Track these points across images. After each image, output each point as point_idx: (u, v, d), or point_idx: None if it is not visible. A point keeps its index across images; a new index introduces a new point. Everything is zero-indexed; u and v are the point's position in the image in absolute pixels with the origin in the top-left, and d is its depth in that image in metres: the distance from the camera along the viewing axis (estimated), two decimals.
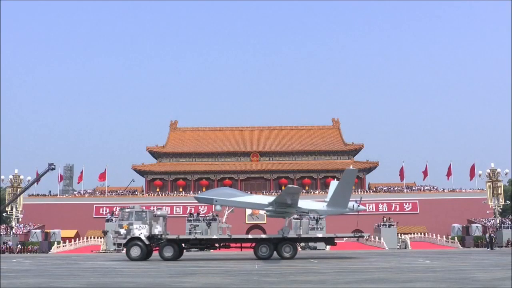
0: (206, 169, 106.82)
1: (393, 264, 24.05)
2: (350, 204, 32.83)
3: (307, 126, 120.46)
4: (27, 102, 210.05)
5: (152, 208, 42.65)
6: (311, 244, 58.80)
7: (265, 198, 34.87)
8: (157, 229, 33.00)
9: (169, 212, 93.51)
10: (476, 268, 20.06)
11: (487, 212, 74.52)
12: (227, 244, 33.93)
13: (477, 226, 71.20)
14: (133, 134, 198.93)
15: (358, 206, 33.62)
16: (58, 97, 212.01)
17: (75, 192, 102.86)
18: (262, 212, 33.43)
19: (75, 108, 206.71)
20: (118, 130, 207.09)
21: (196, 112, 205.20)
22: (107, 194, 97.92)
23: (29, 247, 64.54)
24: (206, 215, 66.87)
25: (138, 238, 32.22)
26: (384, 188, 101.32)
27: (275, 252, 31.62)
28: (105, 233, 63.71)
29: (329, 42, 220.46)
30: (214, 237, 34.24)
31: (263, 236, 33.72)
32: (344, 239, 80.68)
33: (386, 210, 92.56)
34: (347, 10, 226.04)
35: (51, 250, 62.44)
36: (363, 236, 38.21)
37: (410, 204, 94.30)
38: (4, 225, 73.28)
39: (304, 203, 34.31)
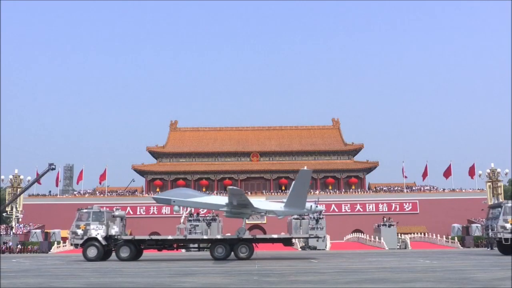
0: (206, 169, 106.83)
1: (393, 264, 24.06)
2: (308, 205, 33.09)
3: (307, 126, 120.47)
4: (27, 102, 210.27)
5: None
6: (311, 244, 58.80)
7: (222, 199, 35.05)
8: (114, 230, 33.25)
9: (169, 212, 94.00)
10: (476, 268, 20.07)
11: None
12: (184, 244, 34.54)
13: (477, 226, 71.15)
14: (133, 134, 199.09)
15: (316, 207, 34.22)
16: (58, 97, 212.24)
17: (75, 192, 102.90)
18: (222, 209, 33.69)
19: (75, 108, 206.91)
20: (118, 130, 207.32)
21: (196, 112, 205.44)
22: (107, 194, 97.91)
23: (29, 247, 64.51)
24: (206, 215, 66.82)
25: (95, 239, 32.48)
26: (384, 188, 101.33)
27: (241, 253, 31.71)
28: None
29: (329, 42, 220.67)
30: (170, 237, 34.30)
31: (219, 237, 33.97)
32: (345, 238, 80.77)
33: (386, 210, 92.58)
34: (347, 10, 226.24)
35: (51, 250, 62.43)
36: (320, 237, 38.13)
37: (410, 204, 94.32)
38: (4, 225, 73.31)
39: (262, 203, 34.87)
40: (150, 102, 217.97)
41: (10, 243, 64.59)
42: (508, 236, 32.20)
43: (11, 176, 73.80)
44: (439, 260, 27.53)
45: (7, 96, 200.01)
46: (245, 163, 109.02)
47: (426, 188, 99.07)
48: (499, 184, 74.06)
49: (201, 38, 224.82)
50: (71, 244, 34.05)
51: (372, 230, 71.57)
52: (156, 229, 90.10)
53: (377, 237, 66.75)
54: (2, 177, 74.37)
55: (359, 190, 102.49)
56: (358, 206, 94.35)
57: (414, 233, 76.85)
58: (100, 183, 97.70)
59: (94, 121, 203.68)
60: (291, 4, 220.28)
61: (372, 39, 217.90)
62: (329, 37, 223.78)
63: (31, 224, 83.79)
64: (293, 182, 33.45)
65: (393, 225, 68.79)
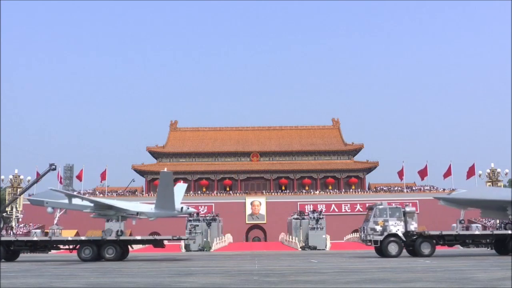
0: (206, 169, 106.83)
1: (393, 264, 24.05)
2: (179, 206, 33.27)
3: (307, 126, 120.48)
4: (27, 102, 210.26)
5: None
6: (311, 244, 58.84)
7: (87, 201, 35.22)
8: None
9: None
10: (476, 268, 20.06)
11: None
12: (55, 246, 35.28)
13: (477, 226, 71.01)
14: (133, 134, 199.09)
15: (188, 208, 34.60)
16: (58, 97, 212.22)
17: (75, 192, 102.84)
18: (86, 211, 34.04)
19: (75, 108, 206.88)
20: (118, 130, 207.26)
21: (196, 112, 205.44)
22: (107, 194, 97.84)
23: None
24: (206, 215, 66.86)
25: None
26: (384, 188, 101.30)
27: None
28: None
29: (329, 42, 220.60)
30: (35, 238, 34.36)
31: (83, 238, 34.08)
32: (345, 238, 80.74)
33: None
34: (347, 10, 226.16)
35: (51, 250, 62.35)
36: (183, 239, 38.35)
37: (410, 204, 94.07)
38: (4, 225, 73.31)
39: (132, 205, 35.18)
40: (150, 102, 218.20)
41: None
42: (378, 238, 32.03)
43: (11, 176, 73.77)
44: (439, 260, 27.53)
45: (7, 96, 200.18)
46: (245, 163, 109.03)
47: (426, 188, 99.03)
48: (499, 184, 74.01)
49: (201, 38, 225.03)
50: None
51: None
52: (156, 229, 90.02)
53: None
54: (2, 177, 74.35)
55: (359, 190, 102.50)
56: (358, 206, 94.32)
57: None
58: (100, 182, 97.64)
59: (94, 121, 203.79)
60: (291, 4, 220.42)
61: (372, 39, 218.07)
62: (329, 37, 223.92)
63: (31, 224, 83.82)
64: (158, 185, 33.68)
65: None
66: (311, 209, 78.97)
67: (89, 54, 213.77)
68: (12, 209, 72.05)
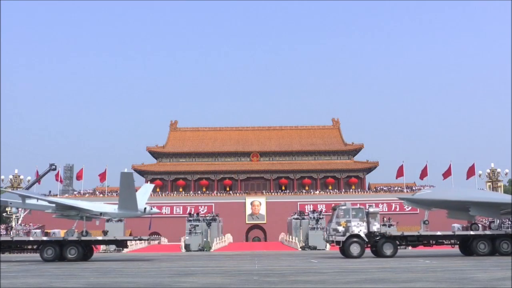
0: (206, 169, 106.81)
1: (393, 264, 24.06)
2: (143, 207, 33.30)
3: (307, 126, 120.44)
4: (27, 102, 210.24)
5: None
6: (311, 244, 58.86)
7: (54, 200, 35.45)
8: None
9: (169, 212, 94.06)
10: (476, 268, 20.07)
11: None
12: (19, 246, 35.53)
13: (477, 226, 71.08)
14: (133, 134, 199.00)
15: (151, 209, 34.70)
16: (58, 97, 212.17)
17: (75, 192, 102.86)
18: (48, 211, 34.22)
19: (75, 108, 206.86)
20: (118, 130, 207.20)
21: (196, 112, 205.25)
22: (107, 194, 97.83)
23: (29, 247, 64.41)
24: (206, 215, 66.85)
25: None
26: (384, 188, 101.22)
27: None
28: (105, 233, 63.65)
29: (329, 42, 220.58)
30: None
31: (45, 238, 33.88)
32: None
33: (386, 210, 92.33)
34: (347, 10, 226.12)
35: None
36: (144, 239, 38.27)
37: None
38: (4, 225, 73.31)
39: (95, 205, 35.35)
40: (150, 102, 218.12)
41: None
42: (340, 239, 31.88)
43: (11, 176, 73.75)
44: (439, 260, 27.55)
45: (7, 96, 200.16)
46: (245, 163, 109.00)
47: (426, 188, 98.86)
48: (499, 184, 74.04)
49: (201, 38, 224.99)
50: None
51: None
52: (156, 229, 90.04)
53: None
54: (2, 177, 74.31)
55: (359, 190, 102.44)
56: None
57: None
58: (100, 183, 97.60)
59: (94, 121, 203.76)
60: (292, 4, 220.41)
61: (372, 39, 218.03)
62: (329, 37, 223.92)
63: (31, 224, 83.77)
64: (119, 185, 33.64)
65: (393, 225, 68.71)
66: (311, 209, 78.96)
67: (89, 54, 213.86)
68: (12, 209, 71.99)
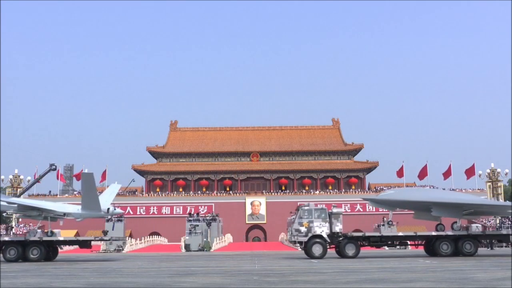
0: (206, 169, 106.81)
1: (393, 264, 24.06)
2: (106, 207, 33.38)
3: (307, 126, 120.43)
4: (27, 102, 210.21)
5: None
6: None
7: (14, 200, 35.42)
8: None
9: (169, 212, 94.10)
10: (476, 268, 20.07)
11: None
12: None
13: (477, 226, 70.94)
14: (133, 134, 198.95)
15: (115, 209, 34.98)
16: (58, 96, 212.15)
17: (75, 192, 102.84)
18: (10, 211, 34.24)
19: (75, 108, 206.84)
20: (118, 130, 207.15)
21: (196, 112, 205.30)
22: None
23: None
24: (206, 215, 66.86)
25: None
26: (384, 188, 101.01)
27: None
28: (105, 233, 63.65)
29: (329, 42, 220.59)
30: None
31: (7, 239, 33.95)
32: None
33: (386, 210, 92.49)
34: (347, 10, 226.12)
35: None
36: (105, 239, 38.14)
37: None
38: (4, 225, 73.31)
39: (58, 205, 35.38)
40: (150, 102, 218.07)
41: None
42: (303, 239, 31.72)
43: (11, 176, 73.78)
44: (439, 260, 27.56)
45: (7, 96, 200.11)
46: (245, 163, 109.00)
47: (426, 188, 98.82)
48: (499, 184, 74.06)
49: (201, 38, 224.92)
50: None
51: (372, 230, 71.45)
52: (156, 229, 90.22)
53: None
54: (2, 177, 74.35)
55: (359, 190, 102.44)
56: (358, 206, 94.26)
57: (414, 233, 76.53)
58: (100, 183, 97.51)
59: (94, 121, 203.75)
60: (292, 4, 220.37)
61: (372, 39, 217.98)
62: (329, 37, 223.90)
63: (31, 224, 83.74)
64: (81, 186, 33.66)
65: (393, 225, 68.71)
66: None
67: (89, 54, 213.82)
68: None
